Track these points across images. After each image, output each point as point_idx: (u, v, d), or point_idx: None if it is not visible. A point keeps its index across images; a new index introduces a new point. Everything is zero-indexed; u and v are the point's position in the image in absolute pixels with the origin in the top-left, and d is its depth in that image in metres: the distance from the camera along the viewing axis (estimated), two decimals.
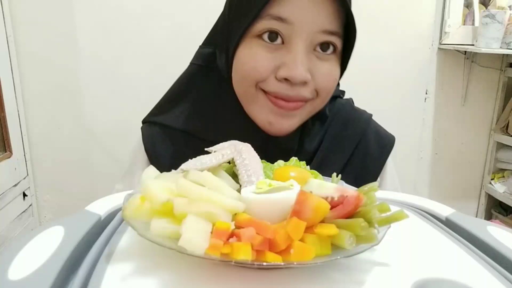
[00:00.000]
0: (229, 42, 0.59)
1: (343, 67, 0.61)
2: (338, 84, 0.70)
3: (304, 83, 0.56)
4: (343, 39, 0.57)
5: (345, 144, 0.67)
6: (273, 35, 0.55)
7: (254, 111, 0.60)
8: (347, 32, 0.57)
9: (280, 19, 0.53)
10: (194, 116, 0.66)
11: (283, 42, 0.55)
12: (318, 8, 0.54)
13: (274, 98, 0.57)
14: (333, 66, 0.58)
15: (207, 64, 0.65)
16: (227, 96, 0.62)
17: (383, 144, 0.70)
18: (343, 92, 0.74)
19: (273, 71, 0.56)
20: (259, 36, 0.56)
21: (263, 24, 0.54)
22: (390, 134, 0.72)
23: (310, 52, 0.56)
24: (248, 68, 0.56)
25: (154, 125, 0.68)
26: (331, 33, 0.55)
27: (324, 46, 0.56)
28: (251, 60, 0.56)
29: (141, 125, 0.70)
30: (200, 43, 0.69)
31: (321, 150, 0.65)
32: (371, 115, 0.73)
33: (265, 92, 0.58)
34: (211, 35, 0.66)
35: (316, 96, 0.59)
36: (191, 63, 0.68)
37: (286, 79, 0.55)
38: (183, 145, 0.65)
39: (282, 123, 0.59)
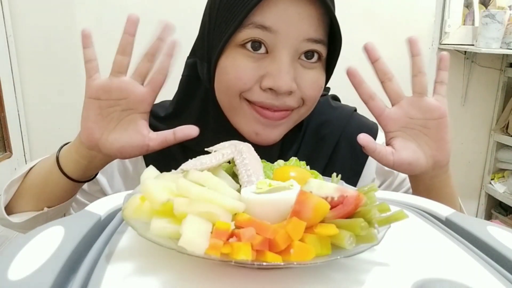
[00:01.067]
0: (211, 52, 0.57)
1: (328, 73, 0.60)
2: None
3: (290, 93, 0.55)
4: (328, 46, 0.57)
5: (323, 145, 0.67)
6: (257, 44, 0.54)
7: (239, 122, 0.59)
8: (332, 38, 0.57)
9: (264, 27, 0.52)
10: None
11: (267, 51, 0.54)
12: (303, 15, 0.53)
13: (259, 108, 0.56)
14: (318, 74, 0.57)
15: (191, 74, 0.64)
16: (211, 106, 0.61)
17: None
18: (327, 89, 0.73)
19: (258, 81, 0.55)
20: (242, 45, 0.54)
21: (246, 33, 0.53)
22: (372, 123, 0.70)
23: (295, 61, 0.55)
24: (231, 78, 0.55)
25: (161, 124, 0.66)
26: (316, 41, 0.54)
27: (309, 54, 0.55)
28: (235, 70, 0.54)
29: None
30: None
31: (300, 155, 0.65)
32: (354, 109, 0.72)
33: (249, 102, 0.56)
34: (193, 46, 0.65)
35: (302, 104, 0.58)
36: (181, 75, 0.66)
37: (271, 89, 0.54)
38: (175, 148, 0.63)
39: (269, 133, 0.58)
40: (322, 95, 0.68)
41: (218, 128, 0.62)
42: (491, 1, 1.78)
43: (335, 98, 0.75)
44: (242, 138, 0.58)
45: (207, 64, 0.59)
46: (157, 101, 0.62)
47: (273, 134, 0.58)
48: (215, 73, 0.57)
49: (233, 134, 0.59)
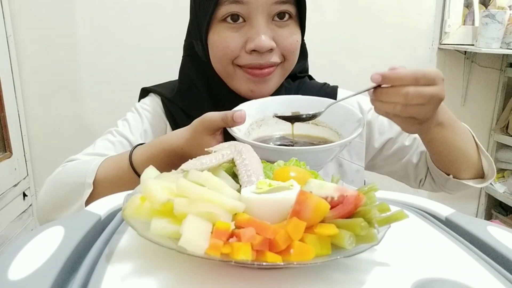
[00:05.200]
0: (201, 31, 0.68)
1: (302, 29, 0.70)
2: (310, 76, 0.82)
3: (271, 50, 0.65)
4: (296, 5, 0.67)
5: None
6: (235, 16, 0.64)
7: (236, 85, 0.69)
8: None
9: (236, 1, 0.63)
10: (193, 101, 0.73)
11: (244, 20, 0.65)
12: None
13: (249, 69, 0.66)
14: (292, 30, 0.67)
15: (190, 54, 0.74)
16: (211, 77, 0.71)
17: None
18: (310, 76, 0.83)
19: (243, 47, 0.65)
20: (223, 20, 0.65)
21: (224, 10, 0.64)
22: (334, 88, 0.79)
23: (269, 23, 0.65)
24: (221, 50, 0.66)
25: (173, 103, 0.75)
26: (283, 2, 0.64)
27: (281, 14, 0.65)
28: (222, 42, 0.65)
29: None
30: None
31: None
32: (336, 86, 0.80)
33: (240, 67, 0.67)
34: (187, 29, 0.75)
35: (284, 60, 0.68)
36: (182, 57, 0.77)
37: (254, 50, 0.64)
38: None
39: (261, 88, 0.68)
40: (303, 76, 0.80)
41: (221, 93, 0.72)
42: (491, 1, 1.78)
43: (311, 78, 0.85)
44: (240, 98, 0.69)
45: (200, 42, 0.70)
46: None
47: (265, 88, 0.69)
48: (208, 49, 0.68)
49: (234, 96, 0.70)
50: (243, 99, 0.70)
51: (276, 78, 0.70)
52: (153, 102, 0.78)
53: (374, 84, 0.55)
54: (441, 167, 0.73)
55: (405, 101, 0.53)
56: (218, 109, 0.58)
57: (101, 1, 1.51)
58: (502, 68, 1.85)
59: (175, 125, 0.74)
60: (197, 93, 0.73)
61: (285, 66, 0.69)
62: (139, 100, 0.81)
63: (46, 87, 1.56)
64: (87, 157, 0.69)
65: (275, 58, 0.66)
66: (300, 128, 0.65)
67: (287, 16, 0.66)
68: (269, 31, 0.65)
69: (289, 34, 0.67)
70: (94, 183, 0.61)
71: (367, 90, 0.56)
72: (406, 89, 0.52)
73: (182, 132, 0.60)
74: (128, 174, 0.61)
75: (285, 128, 0.66)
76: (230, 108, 0.60)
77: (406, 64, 0.60)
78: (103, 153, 0.70)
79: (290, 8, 0.65)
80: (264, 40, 0.63)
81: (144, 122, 0.76)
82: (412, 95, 0.53)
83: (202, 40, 0.68)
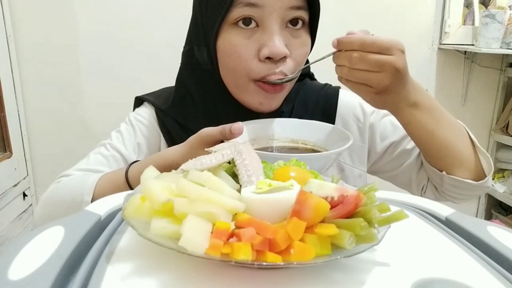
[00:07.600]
0: (208, 35, 0.64)
1: (312, 37, 0.69)
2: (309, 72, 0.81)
3: (284, 59, 0.62)
4: (309, 11, 0.64)
5: (307, 108, 0.74)
6: (247, 20, 0.61)
7: (245, 97, 0.67)
8: (311, 2, 0.64)
9: (251, 4, 0.60)
10: (188, 113, 0.71)
11: (257, 25, 0.61)
12: None
13: (262, 84, 0.63)
14: (304, 40, 0.65)
15: (189, 63, 0.71)
16: (214, 86, 0.68)
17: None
18: (311, 77, 0.82)
19: (256, 54, 0.62)
20: (235, 24, 0.62)
21: (237, 12, 0.60)
22: (335, 89, 0.79)
23: (283, 29, 0.62)
24: (233, 60, 0.63)
25: (167, 115, 0.73)
26: (298, 7, 0.62)
27: (294, 21, 0.63)
28: (234, 50, 0.62)
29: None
30: None
31: (292, 116, 0.74)
32: (338, 87, 0.79)
33: (254, 80, 0.64)
34: (187, 35, 0.72)
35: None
36: (180, 65, 0.73)
37: (268, 58, 0.61)
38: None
39: (271, 101, 0.67)
40: (302, 79, 0.78)
41: (224, 103, 0.69)
42: (491, 1, 1.78)
43: (313, 78, 0.84)
44: (246, 109, 0.68)
45: (205, 48, 0.66)
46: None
47: (274, 102, 0.68)
48: (217, 55, 0.65)
49: (238, 106, 0.68)
50: (242, 113, 0.68)
51: (285, 93, 0.69)
52: (147, 112, 0.76)
53: (335, 50, 0.58)
54: (432, 162, 0.70)
55: (349, 64, 0.55)
56: (213, 123, 0.57)
57: (102, 1, 1.51)
58: (502, 68, 1.86)
59: (169, 137, 0.73)
60: (193, 105, 0.71)
61: (292, 81, 0.68)
62: (133, 109, 0.79)
63: (46, 87, 1.56)
64: (80, 173, 0.68)
65: (288, 68, 0.63)
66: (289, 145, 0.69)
67: (300, 23, 0.64)
68: (283, 37, 0.62)
69: (302, 44, 0.65)
70: (91, 201, 0.60)
71: (329, 55, 0.59)
72: (351, 53, 0.55)
73: (178, 148, 0.59)
74: (125, 191, 0.60)
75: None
76: (225, 121, 0.59)
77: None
78: (97, 168, 0.69)
79: (304, 14, 0.63)
80: (279, 46, 0.60)
81: (137, 134, 0.74)
82: (355, 59, 0.55)
83: (209, 45, 0.65)
